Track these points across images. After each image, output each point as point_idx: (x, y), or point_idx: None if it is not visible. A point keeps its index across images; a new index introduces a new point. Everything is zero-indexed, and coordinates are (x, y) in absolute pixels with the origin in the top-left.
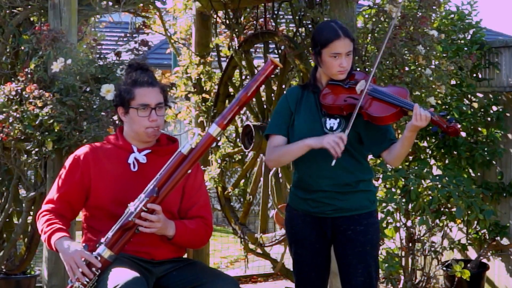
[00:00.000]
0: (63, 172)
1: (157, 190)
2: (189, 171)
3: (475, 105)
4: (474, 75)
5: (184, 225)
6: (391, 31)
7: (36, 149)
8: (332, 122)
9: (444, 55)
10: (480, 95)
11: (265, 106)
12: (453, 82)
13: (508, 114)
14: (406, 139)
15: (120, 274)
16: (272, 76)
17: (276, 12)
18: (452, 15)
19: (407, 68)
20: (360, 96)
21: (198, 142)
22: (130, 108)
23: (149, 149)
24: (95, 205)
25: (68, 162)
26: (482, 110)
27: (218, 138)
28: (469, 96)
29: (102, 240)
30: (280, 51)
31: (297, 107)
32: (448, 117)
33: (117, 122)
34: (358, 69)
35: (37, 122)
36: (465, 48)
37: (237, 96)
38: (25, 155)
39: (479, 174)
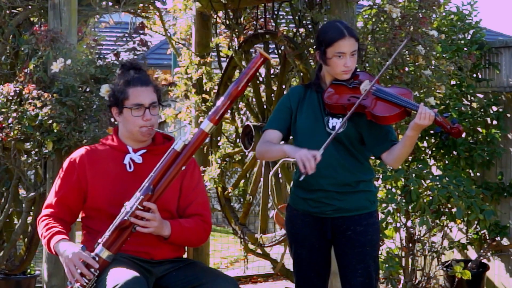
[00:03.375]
0: (60, 176)
1: (152, 188)
2: (184, 167)
3: (475, 105)
4: (474, 75)
5: (179, 224)
6: (403, 45)
7: (36, 150)
8: (334, 122)
9: (444, 55)
10: (480, 95)
11: (265, 107)
12: (452, 82)
13: (508, 115)
14: (408, 139)
15: (120, 274)
16: (272, 76)
17: (276, 12)
18: (452, 16)
19: (406, 69)
20: (363, 95)
21: (191, 138)
22: (124, 108)
23: (145, 148)
24: (93, 207)
25: (64, 166)
26: (481, 110)
27: (218, 138)
28: (469, 96)
29: (100, 240)
30: (280, 51)
31: (299, 106)
32: (452, 118)
33: (116, 122)
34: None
35: (36, 123)
36: (465, 49)
37: (228, 91)
38: (25, 156)
39: (479, 174)
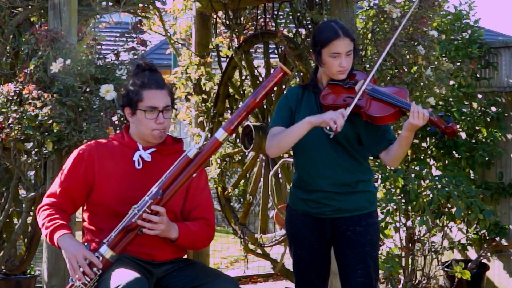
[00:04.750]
0: (67, 167)
1: (162, 192)
2: (194, 174)
3: (475, 105)
4: (474, 75)
5: (187, 227)
6: (396, 34)
7: (36, 150)
8: None
9: (443, 55)
10: (480, 95)
11: (265, 107)
12: (451, 82)
13: (507, 115)
14: (403, 139)
15: (122, 275)
16: None
17: (276, 12)
18: (450, 16)
19: (406, 69)
20: (357, 95)
21: (204, 146)
22: (137, 109)
23: (154, 147)
24: (98, 202)
25: (72, 157)
26: (481, 110)
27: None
28: (469, 96)
29: (105, 240)
30: (280, 51)
31: (297, 106)
32: (446, 117)
33: (116, 122)
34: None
35: (36, 123)
36: (464, 48)
37: (246, 102)
38: (25, 156)
39: (478, 174)
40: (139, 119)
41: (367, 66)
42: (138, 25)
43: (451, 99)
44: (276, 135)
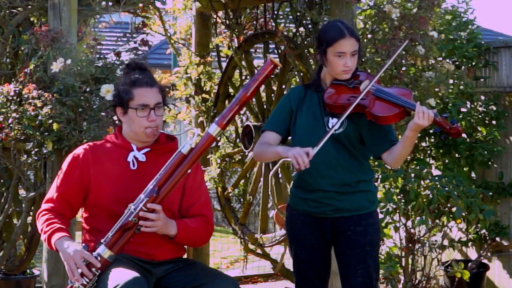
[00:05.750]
0: (62, 171)
1: (157, 190)
2: (189, 170)
3: (474, 104)
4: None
5: (185, 224)
6: (403, 46)
7: (36, 150)
8: (334, 122)
9: (442, 55)
10: (482, 96)
11: (265, 106)
12: (450, 81)
13: (507, 115)
14: (407, 139)
15: (120, 274)
16: (272, 76)
17: (276, 12)
18: (448, 15)
19: (404, 68)
20: (361, 94)
21: (198, 142)
22: (129, 108)
23: (148, 147)
24: (95, 204)
25: (67, 161)
26: (481, 110)
27: (218, 138)
28: (468, 95)
29: (102, 240)
30: (280, 51)
31: (299, 106)
32: (451, 118)
33: (116, 122)
34: None
35: (36, 123)
36: (461, 48)
37: (237, 96)
38: (25, 156)
39: (479, 174)
40: (131, 118)
41: (368, 68)
42: (141, 27)
43: (447, 99)
44: (261, 146)
